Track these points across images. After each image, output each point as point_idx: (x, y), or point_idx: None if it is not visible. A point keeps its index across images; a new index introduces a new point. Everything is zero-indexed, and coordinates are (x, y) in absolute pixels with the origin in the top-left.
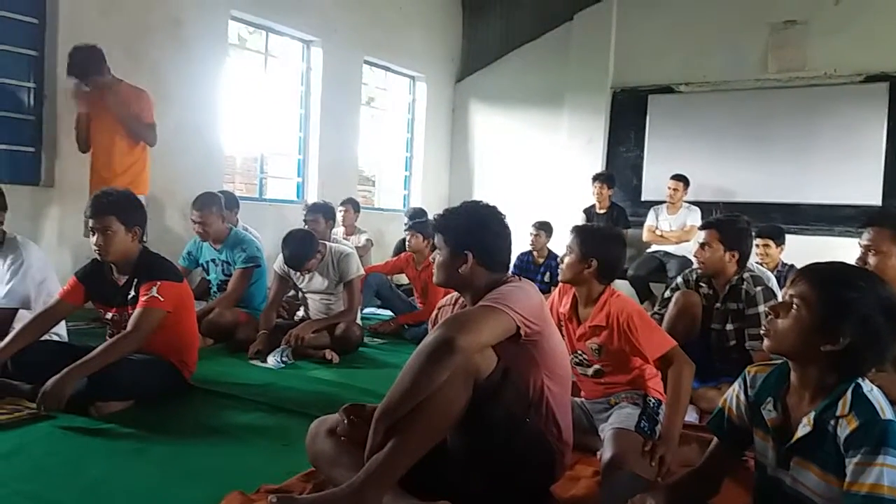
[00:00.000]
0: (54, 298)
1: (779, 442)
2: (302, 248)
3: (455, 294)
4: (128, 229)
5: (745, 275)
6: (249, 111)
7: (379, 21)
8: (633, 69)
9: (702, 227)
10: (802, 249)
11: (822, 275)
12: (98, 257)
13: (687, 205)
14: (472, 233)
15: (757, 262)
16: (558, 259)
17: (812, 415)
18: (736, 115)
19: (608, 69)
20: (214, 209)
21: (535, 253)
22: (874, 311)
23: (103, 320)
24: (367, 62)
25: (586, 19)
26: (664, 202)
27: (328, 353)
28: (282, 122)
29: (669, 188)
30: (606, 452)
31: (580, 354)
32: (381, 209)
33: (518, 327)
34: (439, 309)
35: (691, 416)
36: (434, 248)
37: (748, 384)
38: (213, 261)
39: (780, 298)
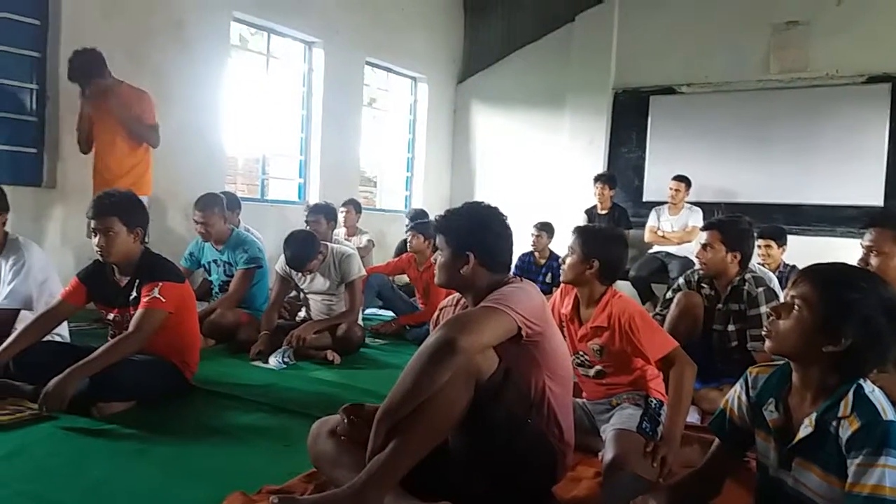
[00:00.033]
0: (56, 299)
1: (780, 443)
2: (303, 248)
3: (457, 295)
4: (130, 230)
5: (747, 276)
6: (251, 112)
7: (381, 22)
8: (635, 70)
9: (704, 228)
10: (804, 250)
11: (824, 276)
12: (100, 258)
13: (689, 205)
14: (473, 234)
15: (759, 263)
16: (560, 260)
17: (814, 416)
18: (738, 115)
19: (610, 70)
20: (216, 209)
21: (536, 254)
22: (876, 311)
23: (105, 321)
24: (368, 63)
25: (588, 20)
26: (666, 203)
27: (330, 354)
28: (283, 124)
29: (671, 189)
30: (608, 453)
31: (582, 355)
32: (383, 210)
33: (519, 328)
34: (441, 310)
35: (693, 417)
36: (435, 248)
37: (750, 385)
38: (214, 261)
39: (781, 299)
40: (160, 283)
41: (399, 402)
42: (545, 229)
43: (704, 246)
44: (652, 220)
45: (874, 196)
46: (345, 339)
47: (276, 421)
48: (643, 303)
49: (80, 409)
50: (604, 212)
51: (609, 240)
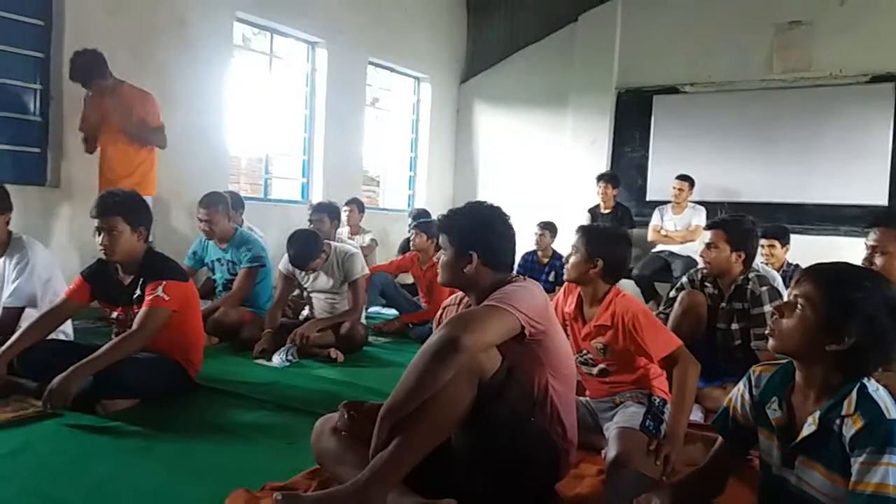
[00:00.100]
0: (60, 297)
1: (784, 441)
2: (307, 247)
3: (460, 294)
4: (133, 229)
5: (751, 274)
6: (254, 112)
7: (383, 22)
8: (638, 70)
9: (708, 227)
10: (808, 249)
11: (827, 275)
12: (104, 257)
13: (692, 205)
14: (476, 233)
15: (762, 263)
16: (563, 259)
17: (817, 414)
18: (741, 115)
19: (613, 70)
20: (221, 208)
21: (539, 253)
22: (879, 310)
23: (109, 319)
24: (371, 63)
25: (591, 20)
26: (669, 202)
27: (333, 352)
28: (287, 123)
29: (674, 188)
30: (611, 451)
31: (585, 354)
32: (386, 209)
33: (522, 327)
34: (444, 308)
35: (696, 416)
36: (438, 247)
37: (753, 383)
38: (218, 260)
39: (785, 298)
40: (164, 282)
41: (402, 400)
42: (548, 228)
43: (709, 245)
44: (655, 220)
45: (878, 195)
46: (348, 337)
47: (279, 418)
48: (646, 301)
49: (84, 406)
50: (607, 211)
51: (613, 239)
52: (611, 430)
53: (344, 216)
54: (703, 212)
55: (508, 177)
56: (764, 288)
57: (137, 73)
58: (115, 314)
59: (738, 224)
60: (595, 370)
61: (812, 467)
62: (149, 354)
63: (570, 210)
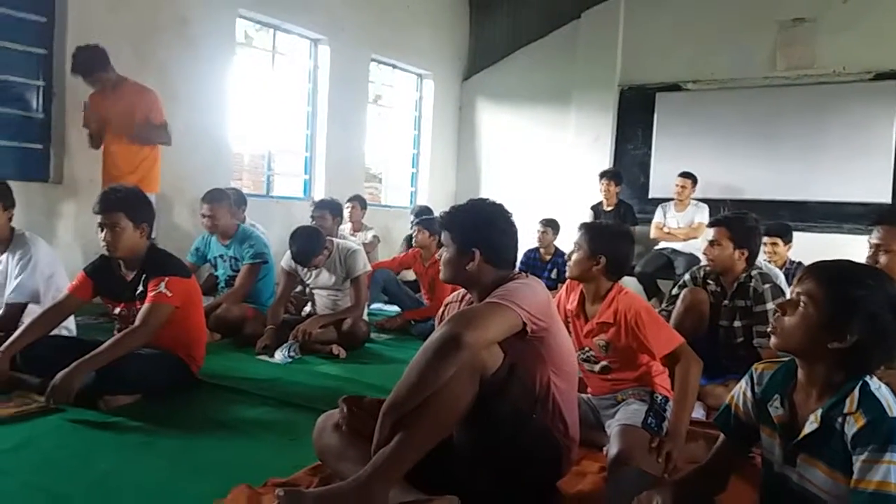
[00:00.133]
0: (63, 293)
1: (785, 439)
2: (309, 244)
3: (462, 290)
4: (136, 226)
5: (754, 272)
6: (257, 109)
7: (386, 19)
8: (641, 67)
9: (711, 225)
10: (811, 247)
11: (830, 272)
12: (106, 253)
13: (695, 202)
14: (478, 230)
15: (765, 260)
16: (565, 256)
17: (819, 412)
18: (744, 112)
19: (616, 67)
20: (224, 203)
21: (541, 250)
22: (882, 308)
23: (111, 315)
24: (374, 60)
25: (594, 17)
26: (672, 199)
27: (335, 349)
28: (289, 120)
29: (677, 185)
30: (613, 448)
31: (587, 351)
32: (388, 206)
33: (524, 324)
34: (446, 305)
35: (698, 413)
36: (441, 244)
37: (755, 381)
38: (220, 256)
39: (788, 296)
40: (166, 278)
41: (404, 397)
42: (550, 225)
43: (712, 243)
44: (658, 217)
45: (881, 193)
46: (350, 333)
47: (281, 415)
48: (649, 299)
49: (86, 402)
50: (609, 208)
51: (616, 236)
52: (612, 427)
53: (346, 213)
54: (705, 209)
55: (511, 174)
56: (767, 285)
57: (140, 71)
58: (117, 310)
59: (742, 222)
60: (597, 367)
61: (814, 465)
62: (151, 350)
63: (572, 207)
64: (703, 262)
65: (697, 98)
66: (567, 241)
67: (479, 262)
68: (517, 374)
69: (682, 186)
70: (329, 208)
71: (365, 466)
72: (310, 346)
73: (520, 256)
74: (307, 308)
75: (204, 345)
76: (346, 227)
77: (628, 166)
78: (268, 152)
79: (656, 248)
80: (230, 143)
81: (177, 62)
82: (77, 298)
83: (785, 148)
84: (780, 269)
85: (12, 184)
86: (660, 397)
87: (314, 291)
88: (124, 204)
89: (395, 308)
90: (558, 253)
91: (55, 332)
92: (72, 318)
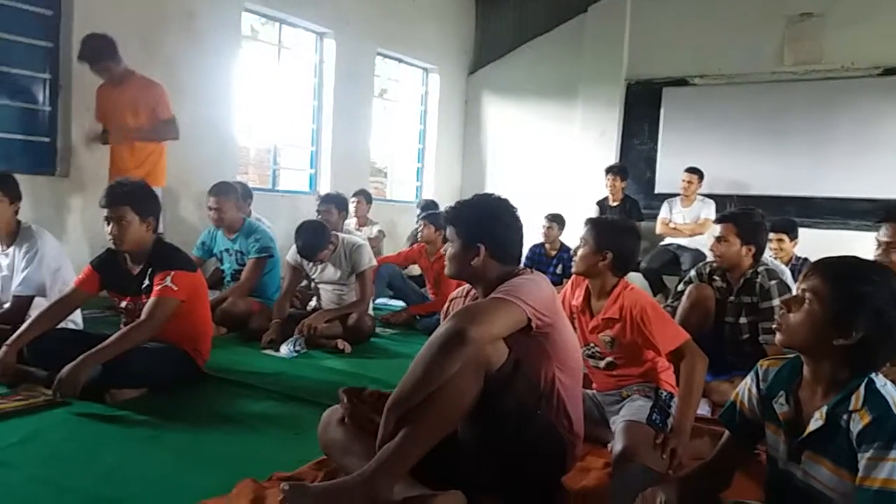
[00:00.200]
0: (69, 287)
1: (790, 436)
2: (314, 238)
3: (467, 286)
4: (142, 219)
5: (760, 268)
6: (263, 103)
7: (392, 13)
8: (648, 61)
9: (718, 221)
10: (817, 243)
11: (835, 269)
12: (113, 246)
13: (701, 198)
14: (483, 225)
15: (770, 256)
16: (571, 251)
17: (824, 409)
18: (751, 107)
19: (622, 61)
20: (231, 196)
21: (547, 245)
22: (888, 305)
23: (118, 309)
24: (379, 54)
25: (600, 11)
26: (678, 195)
27: (340, 343)
28: (295, 114)
29: (683, 181)
30: (617, 444)
31: (592, 347)
32: (394, 201)
33: (529, 319)
34: (451, 300)
35: (703, 410)
36: (446, 239)
37: (760, 378)
38: (226, 250)
39: (794, 292)
40: (172, 272)
41: (409, 392)
42: (556, 221)
43: (719, 238)
44: (664, 212)
45: (890, 189)
46: (355, 328)
47: (286, 409)
48: (654, 295)
49: (93, 395)
50: (615, 203)
51: (622, 232)
52: (617, 423)
53: (352, 207)
54: (712, 205)
55: (517, 169)
56: (773, 282)
57: (146, 64)
58: (123, 304)
59: (749, 217)
60: (602, 363)
61: (819, 462)
62: (157, 344)
63: (578, 202)
64: (710, 258)
65: (704, 93)
66: (572, 236)
67: (485, 258)
68: (522, 369)
69: (689, 182)
70: (334, 202)
71: (370, 461)
72: (315, 340)
73: (525, 252)
74: (312, 302)
75: (210, 339)
76: (351, 222)
77: (634, 161)
78: (273, 146)
79: (662, 243)
80: (236, 136)
81: (183, 56)
82: (83, 292)
83: (792, 143)
84: (786, 265)
85: (19, 177)
86: (665, 393)
87: (319, 286)
88: (131, 198)
89: (401, 303)
90: (564, 248)
91: (62, 325)
92: (78, 311)
